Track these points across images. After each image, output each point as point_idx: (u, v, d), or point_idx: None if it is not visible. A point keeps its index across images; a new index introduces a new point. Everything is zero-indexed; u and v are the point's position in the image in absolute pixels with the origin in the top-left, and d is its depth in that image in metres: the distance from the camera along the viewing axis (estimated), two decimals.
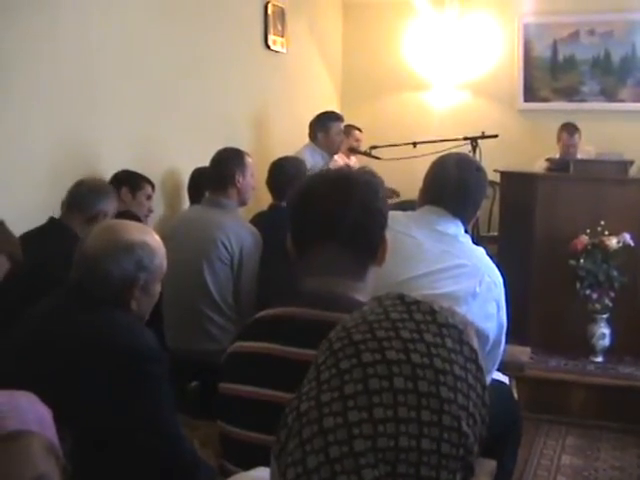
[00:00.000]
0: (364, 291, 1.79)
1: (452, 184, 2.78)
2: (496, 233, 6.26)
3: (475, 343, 0.98)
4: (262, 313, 1.88)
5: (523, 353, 3.68)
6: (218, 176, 4.15)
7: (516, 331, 5.09)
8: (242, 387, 1.78)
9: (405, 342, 0.90)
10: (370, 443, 0.86)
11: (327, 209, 1.78)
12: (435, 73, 7.79)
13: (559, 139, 6.82)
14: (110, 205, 3.59)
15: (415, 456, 0.87)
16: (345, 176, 1.87)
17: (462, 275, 2.62)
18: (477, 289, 2.60)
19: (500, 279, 2.73)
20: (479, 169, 2.91)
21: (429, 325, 0.93)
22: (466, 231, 2.85)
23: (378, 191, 1.86)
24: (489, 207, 6.57)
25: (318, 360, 0.94)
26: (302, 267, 1.85)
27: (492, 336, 2.66)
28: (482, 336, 2.60)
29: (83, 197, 3.52)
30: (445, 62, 7.74)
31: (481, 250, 2.80)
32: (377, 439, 0.86)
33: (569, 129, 6.78)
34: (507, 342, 2.98)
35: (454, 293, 2.56)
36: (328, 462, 0.87)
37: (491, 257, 2.83)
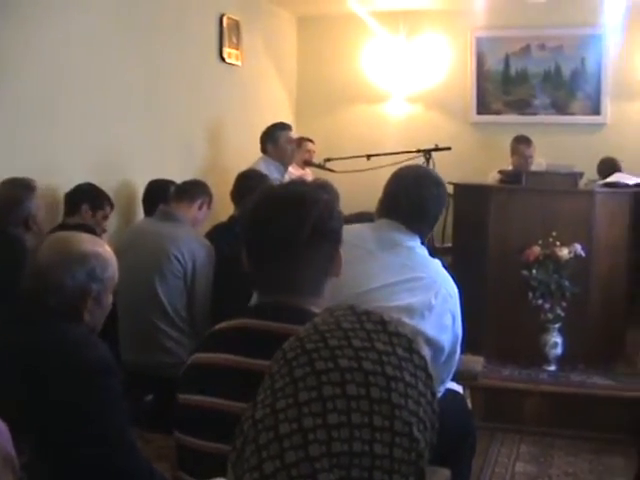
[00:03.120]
0: (320, 303, 1.81)
1: (410, 198, 2.78)
2: (450, 244, 6.31)
3: (424, 352, 1.00)
4: (219, 325, 1.90)
5: (477, 362, 3.71)
6: (185, 189, 4.22)
7: (470, 341, 5.14)
8: (199, 398, 1.79)
9: (357, 350, 0.92)
10: (325, 448, 0.88)
11: (282, 229, 1.80)
12: (389, 86, 7.86)
13: (514, 151, 6.89)
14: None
15: (368, 460, 0.90)
16: (300, 194, 1.87)
17: (419, 288, 2.63)
18: (433, 301, 2.61)
19: (455, 291, 2.75)
20: (438, 184, 2.90)
21: (380, 334, 0.96)
22: (423, 243, 2.86)
23: (332, 209, 1.88)
24: (443, 219, 6.61)
25: (272, 369, 0.96)
26: (258, 280, 1.88)
27: (447, 347, 2.68)
28: (437, 348, 2.63)
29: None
30: (399, 75, 7.81)
31: (437, 262, 2.81)
32: (331, 444, 0.89)
33: (526, 141, 6.87)
34: (461, 352, 3.01)
35: (411, 305, 2.58)
36: (284, 467, 0.89)
37: (446, 268, 2.84)
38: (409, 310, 2.55)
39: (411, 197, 2.79)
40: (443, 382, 2.83)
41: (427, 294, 2.62)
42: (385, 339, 0.96)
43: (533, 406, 5.10)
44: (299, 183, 2.30)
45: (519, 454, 4.69)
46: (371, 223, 2.89)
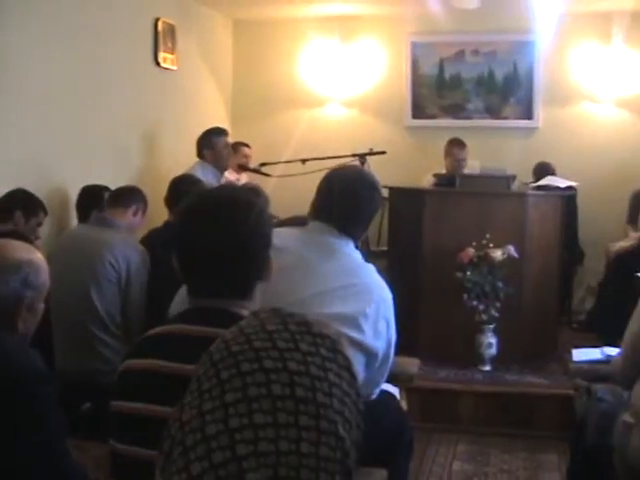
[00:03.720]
0: (251, 307, 1.82)
1: (343, 201, 2.74)
2: (386, 247, 6.35)
3: (348, 352, 1.02)
4: (150, 331, 1.90)
5: (412, 364, 3.74)
6: (119, 195, 4.20)
7: (406, 343, 5.18)
8: (132, 404, 1.79)
9: (281, 351, 0.94)
10: (252, 448, 0.90)
11: (212, 233, 1.81)
12: (325, 91, 7.88)
13: (447, 154, 6.97)
14: None
15: (295, 459, 0.91)
16: (230, 199, 1.88)
17: (353, 294, 2.59)
18: (367, 308, 2.57)
19: (390, 296, 2.72)
20: (372, 186, 2.85)
21: (304, 335, 0.98)
22: (357, 247, 2.83)
23: (263, 213, 1.89)
24: (379, 222, 6.67)
25: (199, 372, 0.97)
26: (189, 285, 1.88)
27: (381, 353, 2.66)
28: (372, 354, 2.61)
29: None
30: (335, 80, 7.85)
31: (371, 267, 2.76)
32: (258, 444, 0.90)
33: (460, 144, 6.95)
34: (397, 354, 3.03)
35: (345, 313, 2.54)
36: (212, 468, 0.90)
37: (380, 272, 2.82)
38: (343, 318, 2.52)
39: (344, 200, 2.74)
40: (378, 385, 2.83)
41: (361, 301, 2.59)
42: (309, 340, 0.98)
43: (469, 406, 5.18)
44: (229, 187, 2.30)
45: (456, 453, 4.75)
46: (304, 227, 2.82)
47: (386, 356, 2.72)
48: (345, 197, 2.76)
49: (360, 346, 2.55)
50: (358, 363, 2.56)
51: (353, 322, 2.54)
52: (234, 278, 1.83)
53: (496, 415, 5.13)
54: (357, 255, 2.77)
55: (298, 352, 0.96)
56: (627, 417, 2.95)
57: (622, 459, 2.95)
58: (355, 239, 2.78)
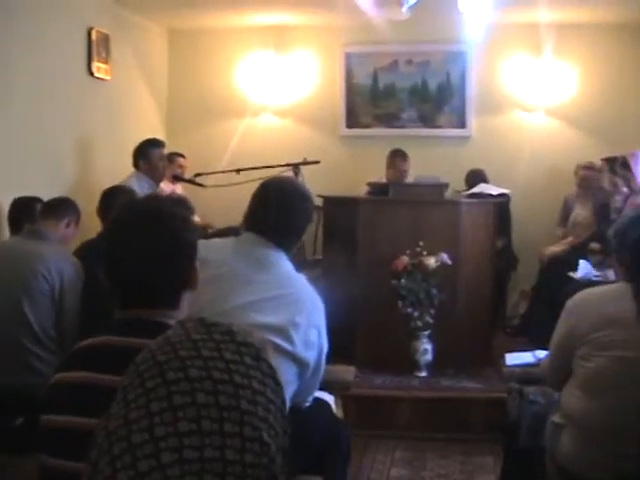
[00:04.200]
0: (178, 316, 1.83)
1: (275, 212, 2.77)
2: (321, 256, 6.38)
3: (274, 361, 1.04)
4: (80, 344, 1.90)
5: (348, 372, 3.76)
6: (52, 207, 4.16)
7: (342, 351, 5.21)
8: (62, 418, 1.78)
9: (206, 360, 0.96)
10: (177, 456, 0.91)
11: (138, 244, 1.82)
12: (261, 100, 7.90)
13: (390, 165, 7.02)
14: None
15: (220, 466, 0.93)
16: (155, 209, 1.90)
17: (284, 304, 2.63)
18: (297, 319, 2.61)
19: (321, 306, 2.76)
20: (304, 198, 2.89)
21: (228, 344, 1.00)
22: (293, 257, 2.86)
23: (188, 223, 1.90)
24: (314, 231, 6.70)
25: (125, 382, 0.99)
26: (117, 296, 1.89)
27: (313, 362, 2.69)
28: (303, 364, 2.64)
29: None
30: (270, 90, 7.87)
31: (303, 277, 2.80)
32: (183, 451, 0.92)
33: (403, 155, 7.02)
34: (333, 362, 3.05)
35: (275, 324, 2.57)
36: (138, 476, 0.91)
37: (314, 281, 2.85)
38: (274, 328, 2.55)
39: (277, 212, 2.77)
40: (311, 393, 2.86)
41: (292, 310, 2.62)
42: (233, 348, 1.00)
43: (406, 412, 5.22)
44: (154, 198, 2.30)
45: (394, 459, 4.79)
46: (236, 237, 2.86)
47: (318, 365, 2.75)
48: (278, 209, 2.79)
49: (290, 356, 2.58)
50: (290, 372, 2.61)
51: (283, 332, 2.57)
52: (160, 288, 1.84)
53: (432, 420, 5.18)
54: (289, 266, 2.80)
55: (222, 361, 0.98)
56: (556, 418, 3.02)
57: (552, 459, 3.02)
58: (288, 250, 2.81)
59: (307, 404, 2.85)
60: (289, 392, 2.63)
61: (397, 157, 6.99)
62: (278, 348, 2.54)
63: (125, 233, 1.86)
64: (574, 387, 2.94)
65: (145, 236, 1.82)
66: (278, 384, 1.02)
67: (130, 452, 0.92)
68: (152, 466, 0.91)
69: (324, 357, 2.79)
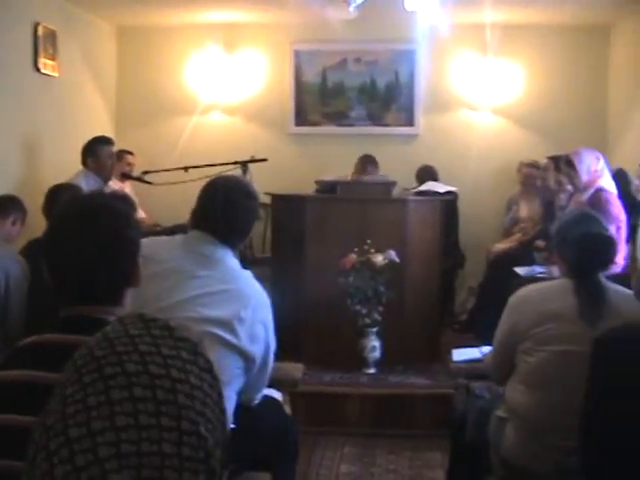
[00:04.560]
0: (121, 313, 1.83)
1: (220, 210, 2.79)
2: (270, 254, 6.38)
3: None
4: (22, 341, 1.89)
5: (296, 369, 3.77)
6: (0, 204, 4.13)
7: (291, 349, 5.24)
8: (2, 416, 1.77)
9: (143, 355, 0.97)
10: (114, 450, 0.92)
11: (79, 241, 1.82)
12: (210, 98, 7.88)
13: (361, 170, 6.98)
14: None
15: (157, 460, 0.94)
16: (96, 206, 1.90)
17: (228, 299, 2.65)
18: (242, 313, 2.63)
19: (267, 302, 2.79)
20: (249, 195, 2.92)
21: (166, 339, 1.01)
22: (242, 256, 2.89)
23: (129, 219, 1.90)
24: (263, 229, 6.71)
25: (63, 378, 0.99)
26: (59, 293, 1.88)
27: (259, 357, 2.71)
28: (249, 358, 2.66)
29: None
30: (219, 87, 7.86)
31: (248, 273, 2.83)
32: (120, 446, 0.92)
33: (374, 161, 7.05)
34: (281, 360, 3.07)
35: (220, 317, 2.59)
36: (75, 470, 0.92)
37: (262, 279, 2.88)
38: (219, 321, 2.57)
39: (221, 209, 2.80)
40: (259, 390, 2.88)
41: (237, 306, 2.64)
42: (171, 344, 1.01)
43: (355, 409, 5.25)
44: (96, 195, 2.30)
45: (343, 455, 4.81)
46: (183, 235, 2.88)
47: (265, 360, 2.77)
48: (224, 207, 2.82)
49: (236, 349, 2.60)
50: (236, 366, 2.63)
51: (228, 325, 2.59)
52: (102, 285, 1.84)
53: (381, 416, 5.22)
54: (235, 262, 2.83)
55: (159, 356, 0.99)
56: (500, 412, 3.08)
57: (496, 453, 3.07)
58: (234, 247, 2.84)
59: (256, 401, 2.87)
60: (236, 387, 2.66)
61: (368, 163, 7.01)
62: (223, 341, 2.57)
63: (67, 230, 1.85)
64: (517, 382, 3.00)
65: (86, 233, 1.82)
66: (215, 378, 1.04)
67: (67, 446, 0.93)
68: (89, 460, 0.92)
69: (271, 353, 2.81)
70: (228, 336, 2.58)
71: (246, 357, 2.64)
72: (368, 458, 4.78)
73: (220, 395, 1.04)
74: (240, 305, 2.65)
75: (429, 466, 4.66)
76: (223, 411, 1.04)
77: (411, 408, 5.24)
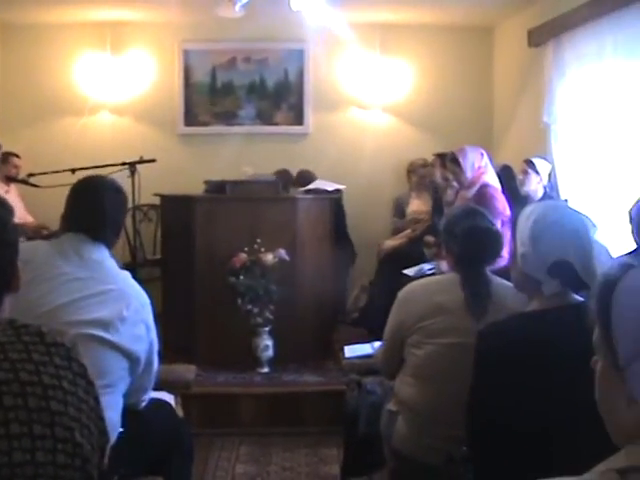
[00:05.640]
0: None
1: (88, 208, 2.78)
2: (160, 256, 6.32)
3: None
4: None
5: (188, 371, 3.73)
6: None
7: (183, 350, 5.21)
8: None
9: (13, 362, 0.94)
10: None
11: None
12: (97, 98, 7.72)
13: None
14: None
15: (31, 469, 0.92)
16: None
17: (109, 300, 2.62)
18: (125, 313, 2.61)
19: (147, 301, 2.78)
20: (117, 190, 2.89)
21: (37, 345, 0.99)
22: (112, 255, 2.84)
23: (7, 222, 1.85)
24: (153, 230, 6.62)
25: None
26: None
27: (143, 357, 2.70)
28: (133, 358, 2.64)
29: None
30: (107, 87, 7.71)
31: (127, 274, 2.81)
32: None
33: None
34: (174, 361, 3.04)
35: (102, 318, 2.56)
36: None
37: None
38: (100, 323, 2.55)
39: (90, 206, 2.78)
40: (145, 391, 2.85)
41: (118, 306, 2.62)
42: (42, 350, 0.99)
43: (249, 408, 5.25)
44: None
45: (239, 456, 4.81)
46: (56, 238, 2.82)
47: (149, 360, 2.76)
48: (91, 205, 2.79)
49: (120, 350, 2.58)
50: (120, 367, 2.62)
51: (110, 326, 2.57)
52: None
53: (276, 415, 5.24)
54: (111, 262, 2.80)
55: (31, 362, 0.96)
56: (391, 406, 3.13)
57: (388, 445, 3.13)
58: (108, 244, 2.81)
59: (143, 404, 2.85)
60: (122, 388, 2.65)
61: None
62: (106, 342, 2.55)
63: None
64: (407, 375, 3.05)
65: None
66: (90, 383, 1.02)
67: None
68: None
69: (155, 353, 2.81)
70: (110, 337, 2.56)
71: (130, 357, 2.63)
72: (264, 457, 4.79)
73: (96, 399, 1.03)
74: (122, 305, 2.63)
75: (325, 462, 4.70)
76: (101, 417, 1.02)
77: (305, 406, 5.27)
